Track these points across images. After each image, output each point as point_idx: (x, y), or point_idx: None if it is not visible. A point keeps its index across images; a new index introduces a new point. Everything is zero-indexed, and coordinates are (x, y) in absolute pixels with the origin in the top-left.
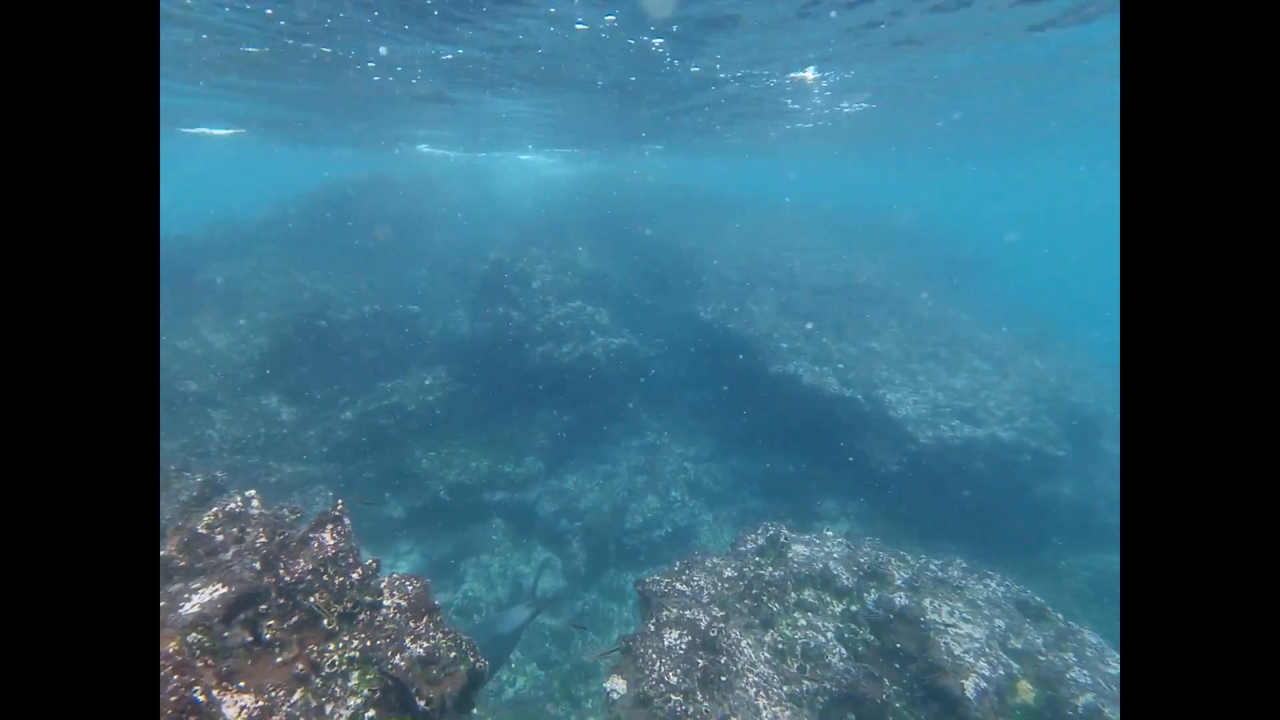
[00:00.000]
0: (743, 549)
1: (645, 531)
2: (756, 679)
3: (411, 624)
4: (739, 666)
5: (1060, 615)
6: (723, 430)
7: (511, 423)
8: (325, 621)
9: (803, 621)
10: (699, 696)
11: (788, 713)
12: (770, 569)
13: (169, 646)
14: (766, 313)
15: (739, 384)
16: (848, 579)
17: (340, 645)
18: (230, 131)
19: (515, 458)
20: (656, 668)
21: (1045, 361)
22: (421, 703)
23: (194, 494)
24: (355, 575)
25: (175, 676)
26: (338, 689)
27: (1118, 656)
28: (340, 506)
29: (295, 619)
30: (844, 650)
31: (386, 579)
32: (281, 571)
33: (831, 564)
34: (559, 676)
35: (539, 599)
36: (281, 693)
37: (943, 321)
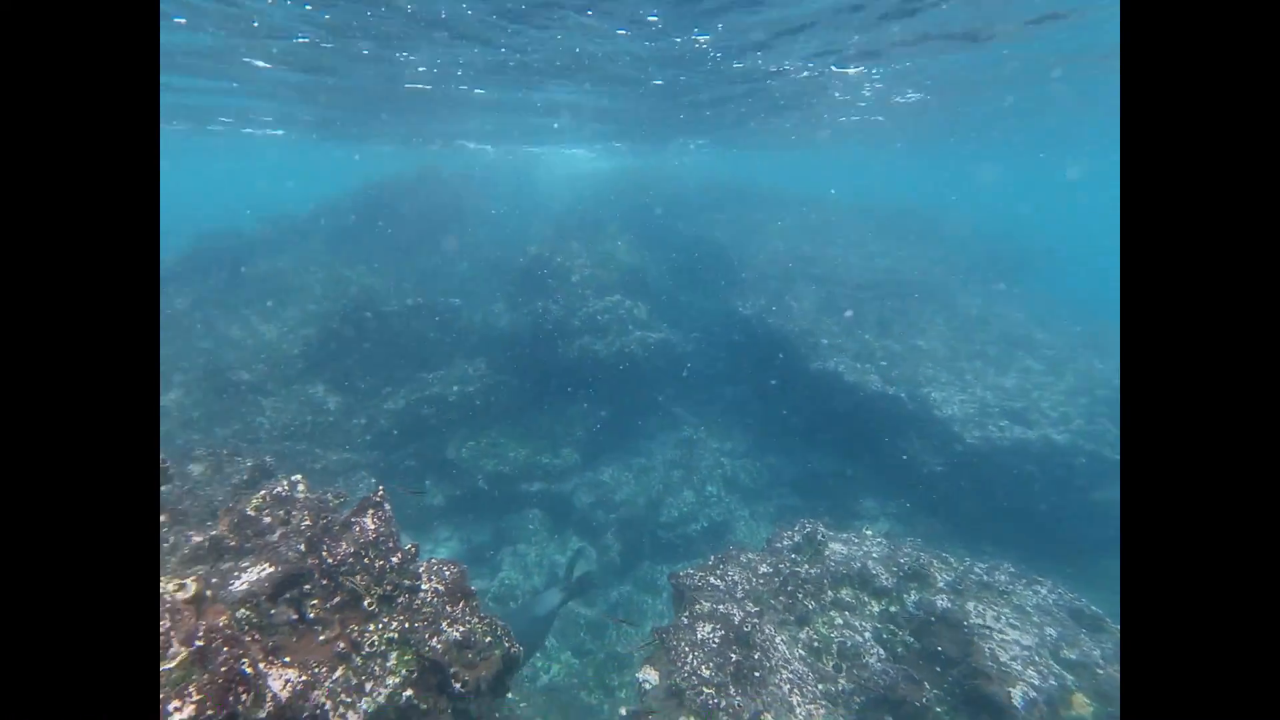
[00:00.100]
0: (778, 545)
1: (680, 525)
2: (791, 676)
3: (448, 608)
4: (773, 663)
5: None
6: (760, 426)
7: (549, 415)
8: (366, 603)
9: (839, 620)
10: (731, 690)
11: (822, 711)
12: (806, 566)
13: (219, 620)
14: (807, 309)
15: (777, 380)
16: (887, 579)
17: (380, 626)
18: (283, 131)
19: (552, 449)
20: (689, 660)
21: (1105, 362)
22: (457, 685)
23: (244, 477)
24: (395, 559)
25: (225, 649)
26: (377, 668)
27: None
28: (381, 492)
29: (337, 599)
30: (882, 651)
31: (425, 564)
32: (325, 554)
33: (870, 563)
34: (593, 665)
35: (573, 581)
36: (324, 669)
37: (993, 319)
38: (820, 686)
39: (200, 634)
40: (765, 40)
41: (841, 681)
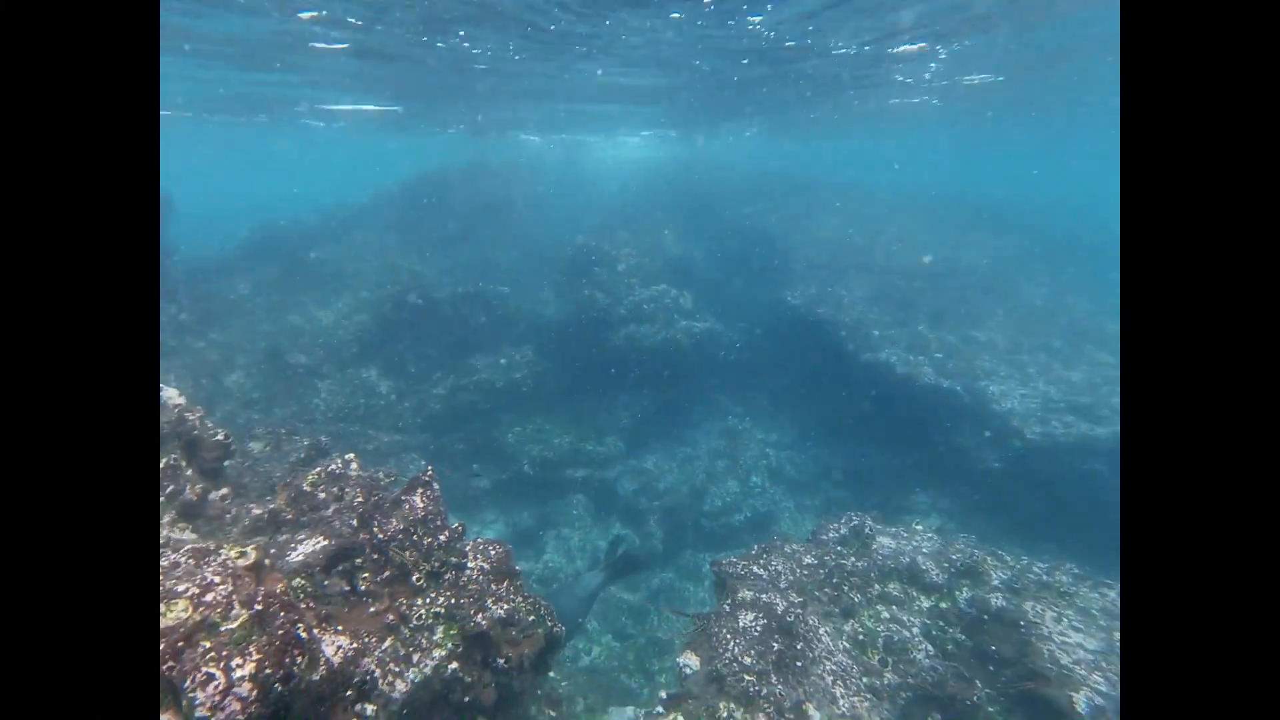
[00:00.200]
0: (824, 537)
1: (724, 515)
2: (834, 667)
3: (493, 586)
4: (816, 654)
5: None
6: (807, 418)
7: (594, 402)
8: (414, 578)
9: (886, 614)
10: (773, 679)
11: (866, 704)
12: (853, 559)
13: (277, 587)
14: (857, 299)
15: (826, 371)
16: (938, 575)
17: (427, 601)
18: (343, 123)
19: (597, 436)
20: (730, 647)
21: None
22: (500, 661)
23: (301, 455)
24: (443, 537)
25: (282, 613)
26: (424, 641)
27: None
28: (430, 472)
29: (387, 574)
30: (931, 647)
31: (471, 543)
32: (376, 529)
33: (920, 558)
34: (634, 649)
35: (617, 561)
36: (374, 639)
37: (1058, 310)
38: (865, 680)
39: (259, 598)
40: (816, 10)
41: (887, 675)
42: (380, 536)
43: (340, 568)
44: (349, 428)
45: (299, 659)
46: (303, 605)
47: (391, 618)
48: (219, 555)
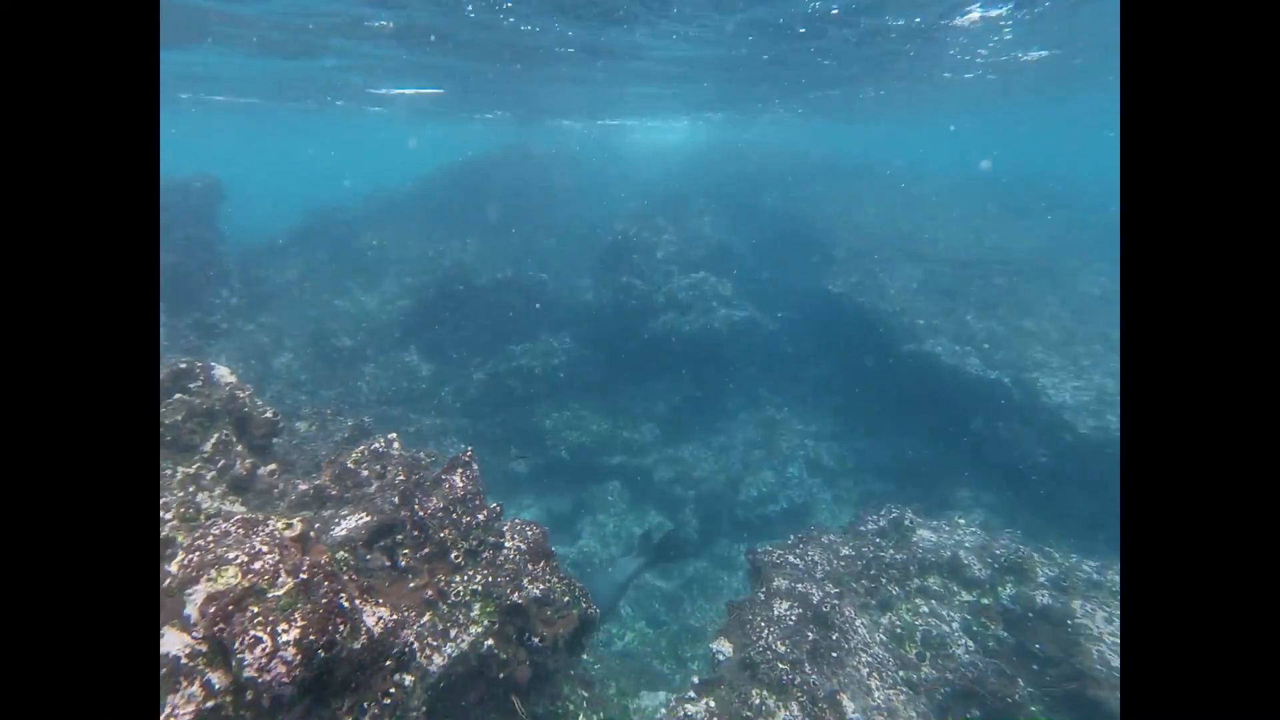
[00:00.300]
0: (862, 529)
1: (760, 505)
2: (870, 659)
3: (530, 566)
4: (851, 645)
5: None
6: (847, 409)
7: (631, 390)
8: (453, 555)
9: (925, 608)
10: (807, 668)
11: (903, 697)
12: (892, 551)
13: (321, 559)
14: (902, 287)
15: (867, 362)
16: (980, 570)
17: (465, 578)
18: (383, 109)
19: (633, 424)
20: (764, 635)
21: None
22: (536, 639)
23: (345, 435)
24: (481, 516)
25: (325, 583)
26: (461, 617)
27: None
28: (470, 452)
29: (426, 550)
30: (971, 643)
31: (508, 524)
32: (416, 507)
33: (962, 553)
34: (667, 636)
35: (654, 547)
36: (413, 613)
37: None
38: (901, 673)
39: (305, 568)
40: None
41: (925, 669)
42: (420, 514)
43: (382, 543)
44: (391, 410)
45: (341, 627)
46: (345, 577)
47: (430, 593)
48: (267, 526)
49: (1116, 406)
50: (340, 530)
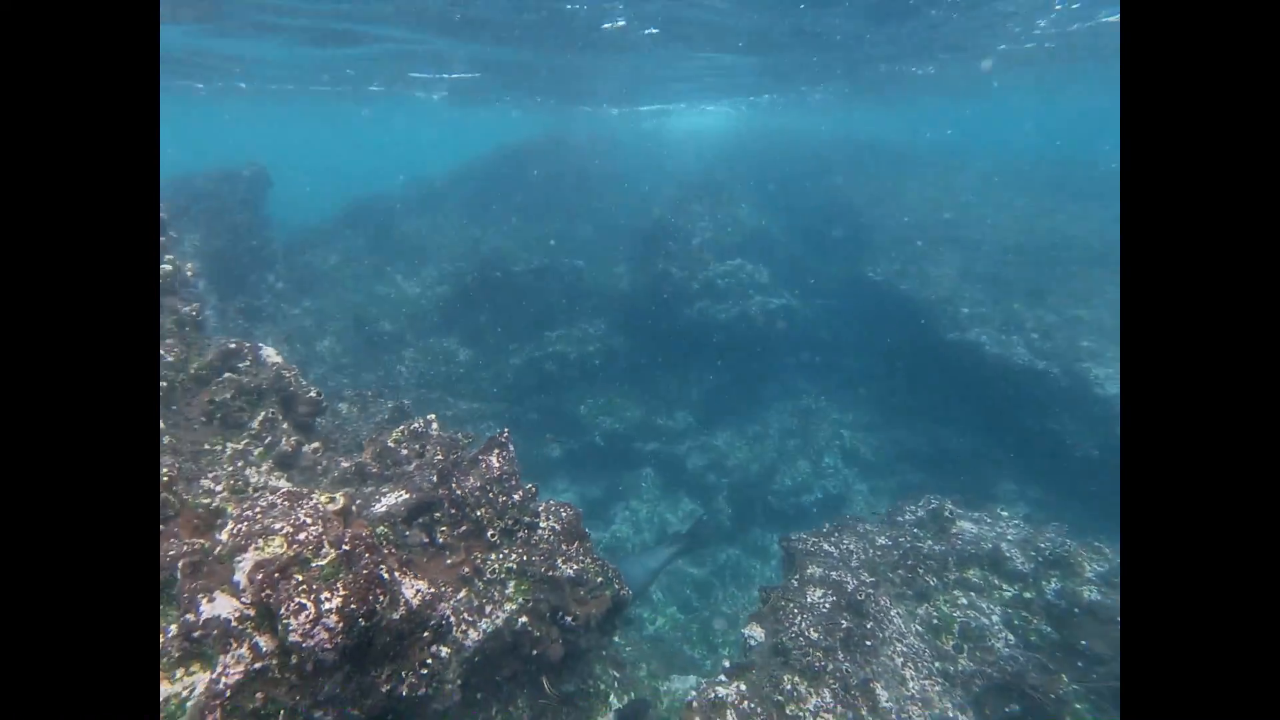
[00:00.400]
0: (900, 519)
1: (794, 495)
2: (905, 649)
3: (564, 546)
4: (886, 634)
5: None
6: (886, 399)
7: (665, 377)
8: (489, 534)
9: (963, 600)
10: (840, 656)
11: (938, 688)
12: (930, 542)
13: (362, 531)
14: (946, 274)
15: (907, 351)
16: (1023, 563)
17: (500, 557)
18: (431, 94)
19: (667, 411)
20: (797, 622)
21: None
22: (568, 619)
23: (386, 416)
24: (516, 496)
25: (366, 554)
26: (496, 594)
27: None
28: (506, 433)
29: (463, 528)
30: (1011, 636)
31: (543, 504)
32: (454, 486)
33: (1004, 545)
34: (698, 622)
35: (685, 536)
36: (449, 588)
37: None
38: (937, 664)
39: (347, 540)
40: None
41: (962, 662)
42: (458, 493)
43: (420, 520)
44: (430, 394)
45: (381, 597)
46: (385, 550)
47: (466, 570)
48: (311, 499)
49: None
50: (380, 506)
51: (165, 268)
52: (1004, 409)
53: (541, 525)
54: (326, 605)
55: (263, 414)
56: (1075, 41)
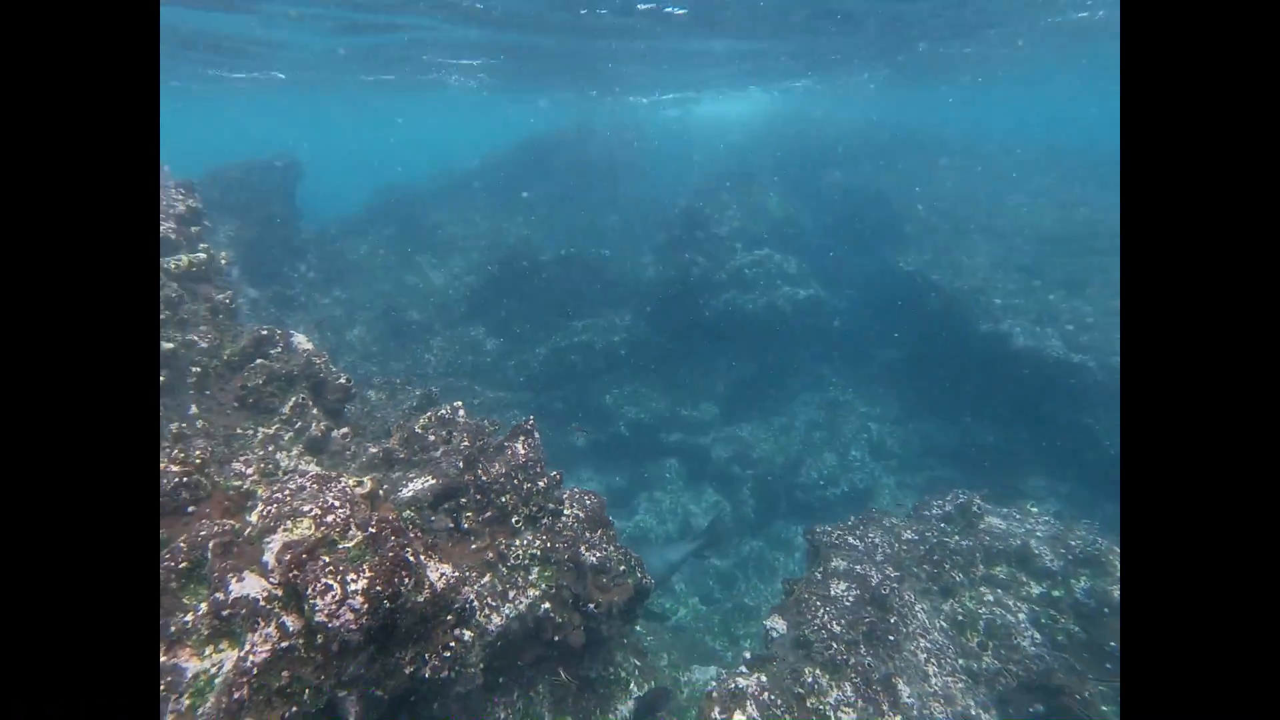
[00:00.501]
0: (927, 513)
1: (819, 488)
2: (929, 645)
3: (587, 534)
4: (910, 629)
5: None
6: (914, 392)
7: (691, 368)
8: (514, 520)
9: (990, 597)
10: (862, 649)
11: (961, 685)
12: (957, 537)
13: (389, 515)
14: (979, 265)
15: (938, 342)
16: (1052, 560)
17: (525, 543)
18: (458, 77)
19: (692, 402)
20: (820, 615)
21: None
22: (591, 605)
23: (414, 403)
24: (541, 483)
25: (392, 538)
26: (520, 579)
27: None
28: (532, 421)
29: (488, 514)
30: (1038, 635)
31: (568, 492)
32: (480, 472)
33: (1033, 542)
34: (720, 613)
35: (702, 533)
36: (474, 573)
37: None
38: (961, 661)
39: (373, 523)
40: None
41: (986, 659)
42: (484, 479)
43: (446, 505)
44: (457, 382)
45: (406, 580)
46: (411, 534)
47: (491, 555)
48: (339, 483)
49: None
50: (407, 491)
51: (199, 256)
52: (1036, 403)
53: (565, 512)
54: (352, 587)
55: (293, 399)
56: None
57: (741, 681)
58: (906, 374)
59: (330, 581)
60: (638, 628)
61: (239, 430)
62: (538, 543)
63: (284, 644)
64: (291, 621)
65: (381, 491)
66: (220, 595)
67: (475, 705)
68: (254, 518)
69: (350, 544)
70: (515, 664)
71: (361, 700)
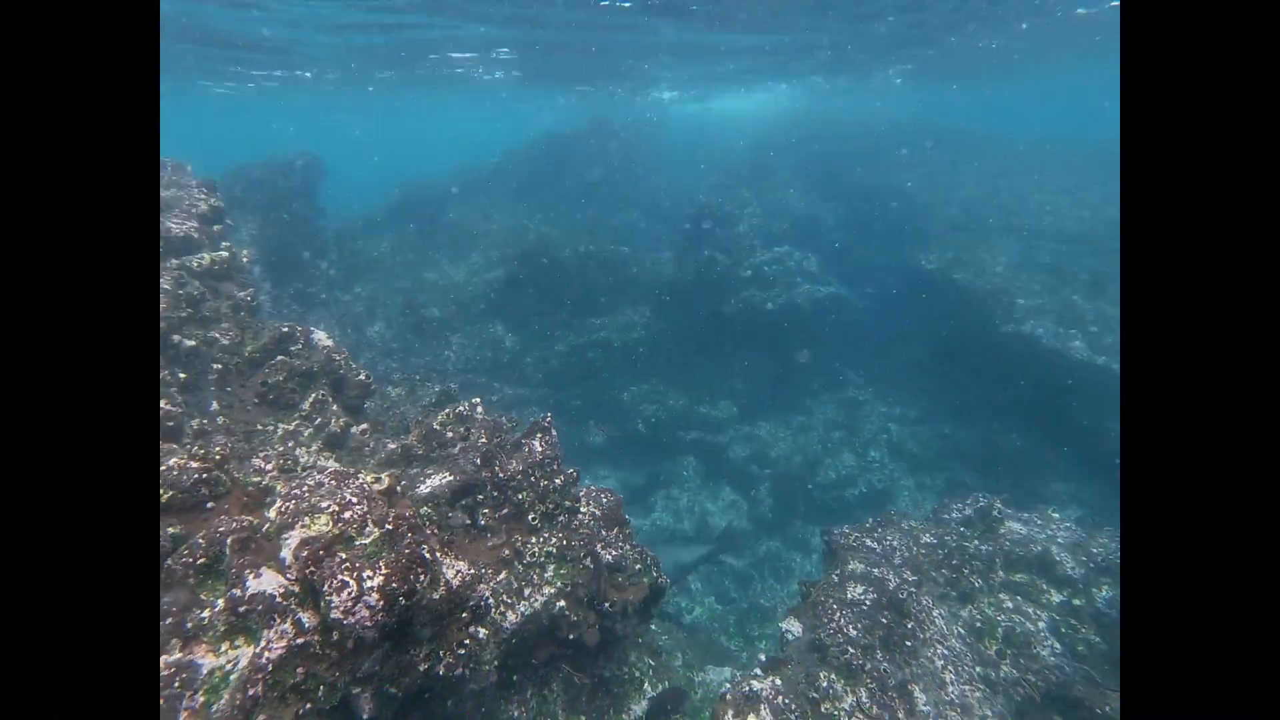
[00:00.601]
0: (946, 517)
1: (837, 488)
2: (946, 652)
3: (604, 532)
4: (927, 635)
5: None
6: (935, 392)
7: (709, 365)
8: (530, 517)
9: (1009, 604)
10: (878, 655)
11: (978, 694)
12: (976, 542)
13: (406, 512)
14: (1002, 264)
15: (959, 343)
16: (1073, 568)
17: (541, 540)
18: (495, 72)
19: (710, 400)
20: (836, 618)
21: None
22: (606, 604)
23: (432, 400)
24: (558, 481)
25: (409, 534)
26: (536, 577)
27: None
28: (549, 418)
29: (505, 511)
30: (1058, 645)
31: (584, 490)
32: (497, 469)
33: (1054, 548)
34: (735, 613)
35: (715, 540)
36: (490, 570)
37: None
38: (978, 669)
39: (390, 519)
40: None
41: (1004, 668)
42: (500, 475)
43: (463, 502)
44: (476, 379)
45: (422, 577)
46: (428, 530)
47: (507, 552)
48: (357, 479)
49: None
50: (425, 487)
51: (221, 254)
52: (1059, 405)
53: (582, 510)
54: (369, 583)
55: (313, 396)
56: None
57: (756, 684)
58: (927, 374)
59: (346, 578)
60: (653, 627)
61: (259, 426)
62: (554, 540)
63: (300, 640)
64: (307, 618)
65: (399, 488)
66: (238, 591)
67: (489, 703)
68: (272, 514)
69: (367, 541)
70: (530, 662)
71: (376, 697)
